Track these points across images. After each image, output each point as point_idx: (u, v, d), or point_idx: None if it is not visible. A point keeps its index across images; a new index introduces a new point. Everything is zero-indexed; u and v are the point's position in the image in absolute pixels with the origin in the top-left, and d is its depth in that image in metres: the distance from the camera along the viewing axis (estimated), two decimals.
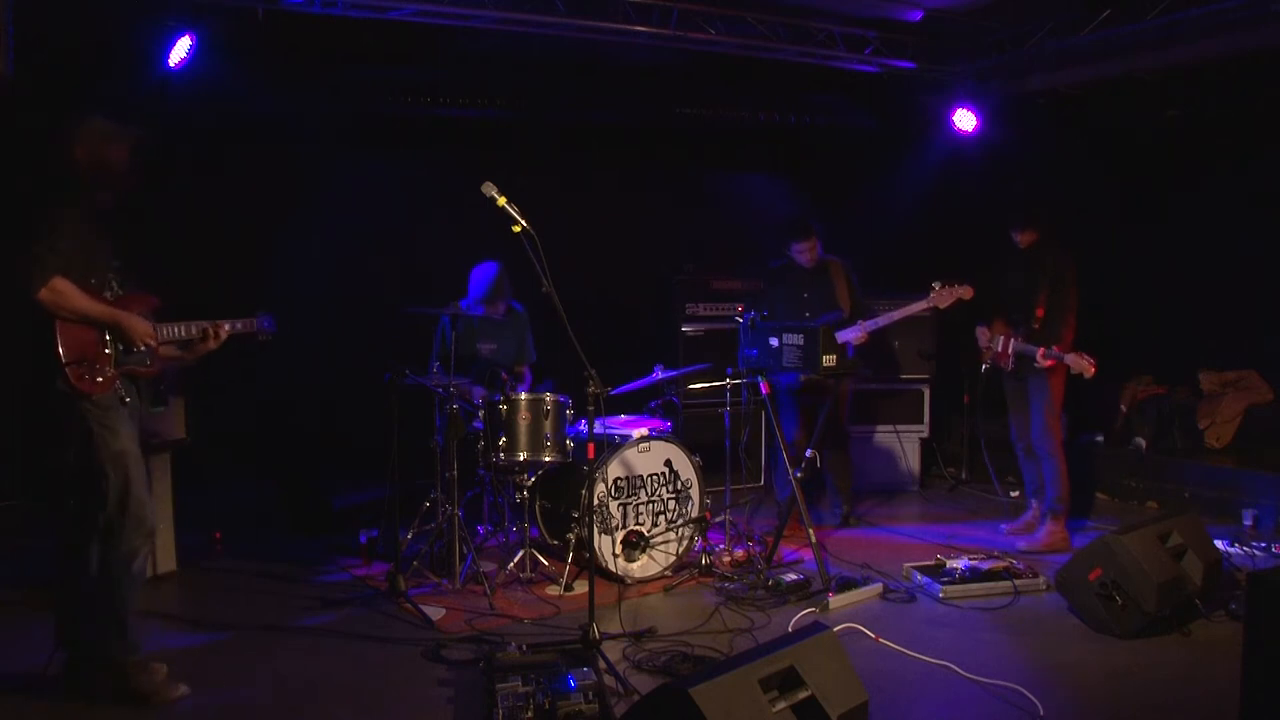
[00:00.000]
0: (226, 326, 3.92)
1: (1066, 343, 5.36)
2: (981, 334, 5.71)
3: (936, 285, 5.55)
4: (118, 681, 3.60)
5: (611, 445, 4.97)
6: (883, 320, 5.69)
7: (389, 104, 6.57)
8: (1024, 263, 5.60)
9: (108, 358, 3.59)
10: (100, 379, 3.54)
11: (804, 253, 5.90)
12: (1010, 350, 5.50)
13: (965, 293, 5.54)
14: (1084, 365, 5.16)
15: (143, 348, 3.68)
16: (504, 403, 4.90)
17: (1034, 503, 5.85)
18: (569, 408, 5.01)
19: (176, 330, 3.81)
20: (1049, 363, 5.28)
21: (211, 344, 3.90)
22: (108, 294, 3.66)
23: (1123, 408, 6.94)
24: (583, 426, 5.05)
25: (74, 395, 3.49)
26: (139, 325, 3.64)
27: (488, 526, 5.56)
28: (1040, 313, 5.45)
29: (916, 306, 5.62)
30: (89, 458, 3.52)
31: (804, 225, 5.89)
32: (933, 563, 5.03)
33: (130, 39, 5.42)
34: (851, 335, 5.63)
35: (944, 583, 4.77)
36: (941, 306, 5.59)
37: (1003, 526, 5.94)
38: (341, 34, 5.66)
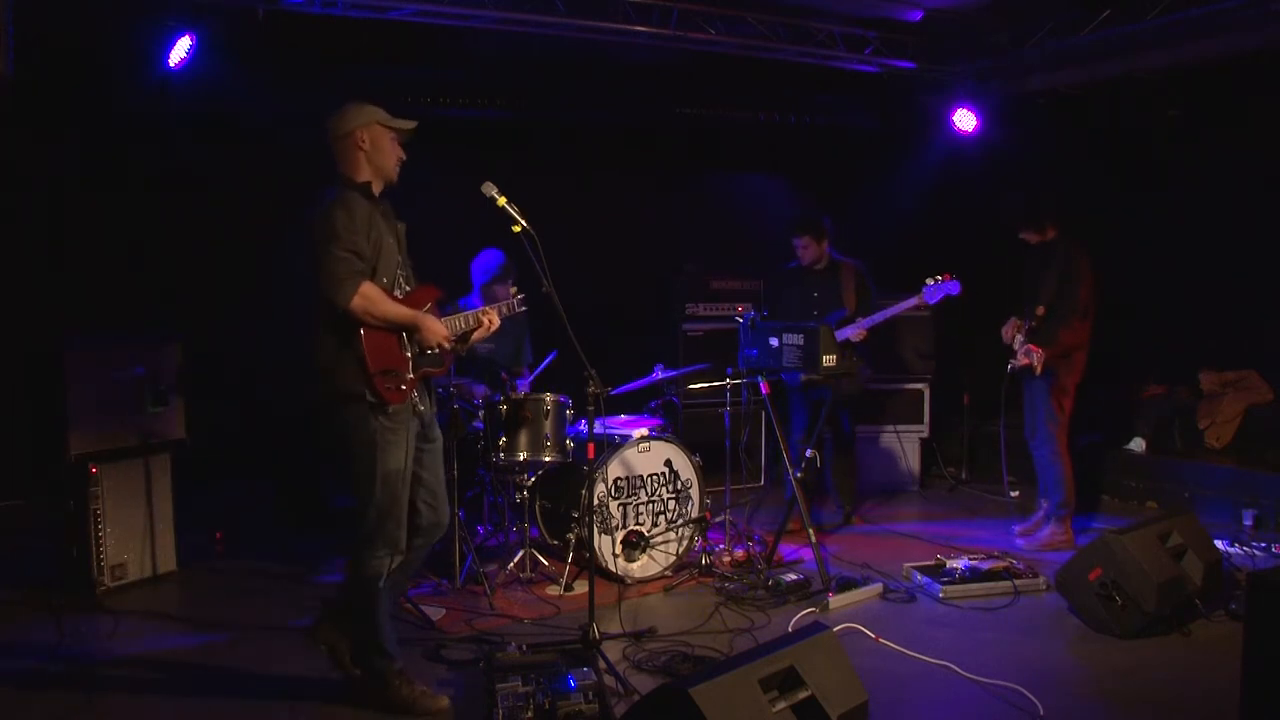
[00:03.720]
0: (495, 313, 3.78)
1: (1058, 345, 5.33)
2: (1005, 331, 5.63)
3: (929, 282, 5.55)
4: (380, 691, 3.53)
5: (611, 445, 4.98)
6: (879, 316, 5.71)
7: (389, 104, 6.53)
8: (1038, 260, 5.56)
9: (407, 362, 3.44)
10: (403, 386, 3.39)
11: (804, 249, 5.92)
12: (1017, 348, 5.46)
13: (951, 288, 5.53)
14: (1031, 359, 5.25)
15: (437, 349, 3.54)
16: (504, 403, 4.90)
17: (1044, 502, 5.83)
18: (569, 408, 5.01)
19: (459, 323, 3.66)
20: (1024, 361, 5.30)
21: (483, 332, 3.76)
22: (396, 292, 3.49)
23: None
24: (583, 426, 5.05)
25: (378, 406, 3.34)
26: (436, 326, 3.49)
27: (488, 526, 5.56)
28: (1041, 310, 5.41)
29: (910, 303, 5.63)
30: (365, 469, 3.39)
31: (803, 221, 5.92)
32: (933, 563, 5.03)
33: (130, 39, 5.42)
34: (851, 332, 5.64)
35: (944, 583, 4.77)
36: (930, 302, 5.57)
37: (1015, 527, 5.91)
38: (341, 34, 5.66)
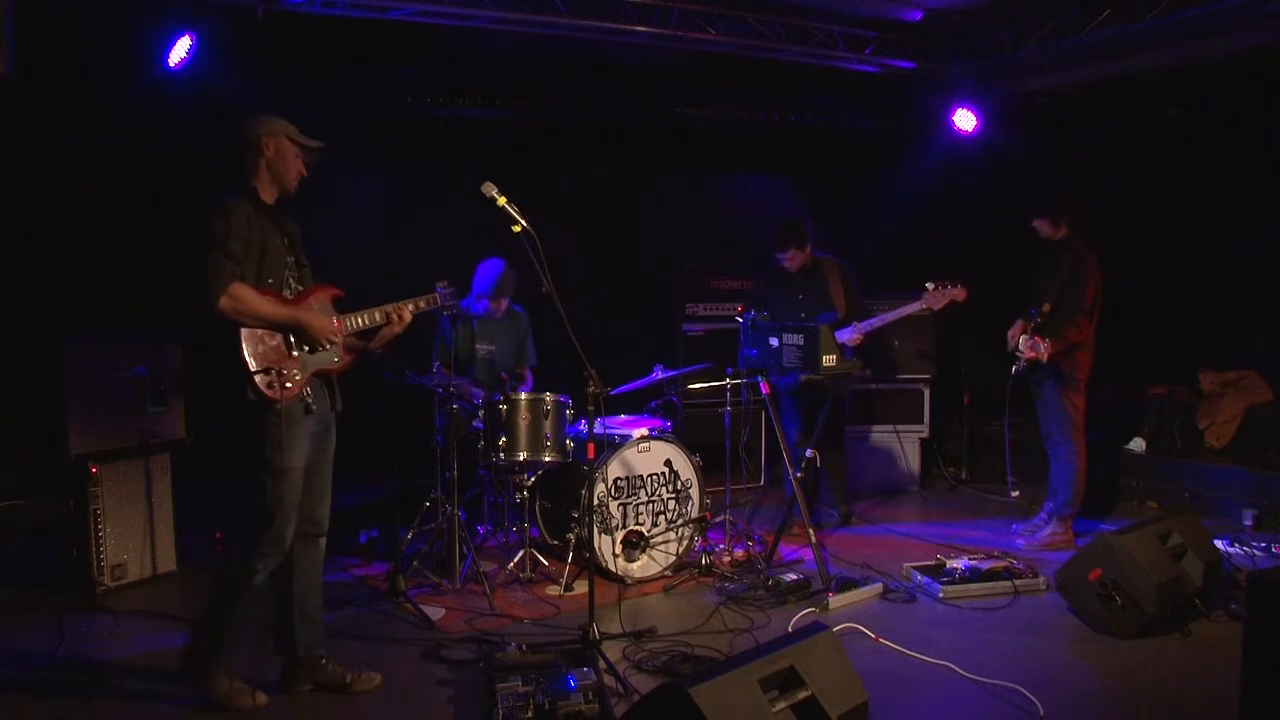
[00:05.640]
0: (409, 308, 3.78)
1: (1062, 341, 5.32)
2: (1011, 335, 5.58)
3: (930, 285, 5.43)
4: (200, 678, 3.54)
5: (611, 445, 4.98)
6: (876, 322, 5.61)
7: (389, 104, 6.56)
8: (1049, 257, 5.54)
9: (295, 361, 3.47)
10: (289, 385, 3.42)
11: (790, 260, 5.86)
12: (1023, 346, 5.41)
13: (958, 294, 5.38)
14: (1038, 350, 5.22)
15: (327, 346, 3.56)
16: (504, 403, 4.90)
17: (1050, 504, 5.83)
18: (569, 408, 5.01)
19: (360, 320, 3.67)
20: (1030, 354, 5.27)
21: (396, 328, 3.77)
22: (286, 292, 3.52)
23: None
24: (583, 426, 5.05)
25: (263, 404, 3.38)
26: (321, 324, 3.51)
27: (488, 526, 5.56)
28: (1047, 308, 5.40)
29: (910, 308, 5.51)
30: (255, 467, 3.44)
31: (785, 233, 5.80)
32: (933, 563, 5.03)
33: (130, 39, 5.42)
34: (846, 337, 5.56)
35: (944, 583, 4.77)
36: (935, 308, 5.47)
37: (1015, 527, 5.90)
38: (341, 34, 5.66)
